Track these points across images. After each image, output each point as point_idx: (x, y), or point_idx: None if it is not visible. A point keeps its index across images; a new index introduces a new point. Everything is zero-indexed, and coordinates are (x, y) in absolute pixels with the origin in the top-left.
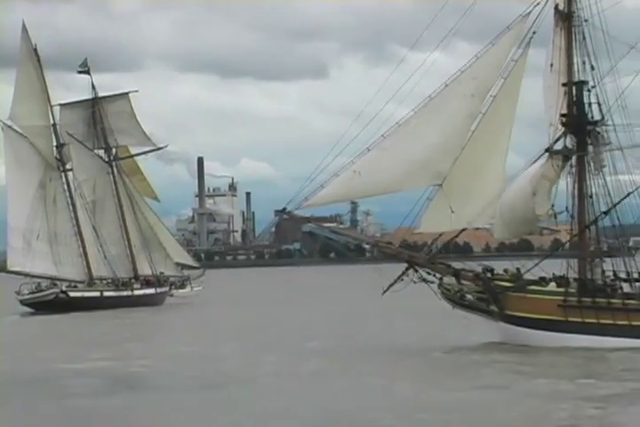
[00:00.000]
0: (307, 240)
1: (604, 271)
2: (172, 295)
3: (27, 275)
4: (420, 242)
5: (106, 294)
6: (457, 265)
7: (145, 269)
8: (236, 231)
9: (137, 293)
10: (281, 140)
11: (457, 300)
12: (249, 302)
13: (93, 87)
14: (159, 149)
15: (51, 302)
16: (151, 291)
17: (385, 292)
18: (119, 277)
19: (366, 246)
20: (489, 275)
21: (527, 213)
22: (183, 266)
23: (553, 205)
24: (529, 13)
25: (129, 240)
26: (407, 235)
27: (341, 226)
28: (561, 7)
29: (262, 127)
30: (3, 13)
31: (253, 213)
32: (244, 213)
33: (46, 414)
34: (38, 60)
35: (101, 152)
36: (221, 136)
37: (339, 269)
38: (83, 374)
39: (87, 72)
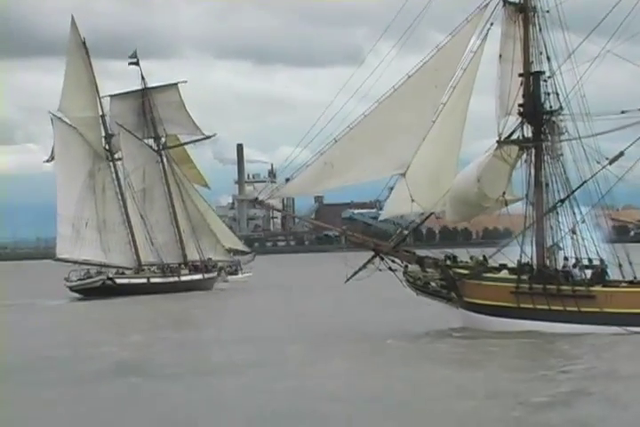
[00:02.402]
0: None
1: (567, 258)
2: (227, 281)
3: (75, 262)
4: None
5: (153, 280)
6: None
7: (194, 255)
8: (276, 218)
9: (184, 278)
10: (317, 127)
11: (420, 287)
12: (295, 287)
13: (143, 78)
14: (208, 137)
15: (98, 288)
16: (198, 276)
17: (348, 280)
18: (167, 264)
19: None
20: (449, 263)
21: (470, 198)
22: (235, 251)
23: (504, 193)
24: (486, 5)
25: (178, 227)
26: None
27: (380, 212)
28: None
29: (297, 114)
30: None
31: (293, 199)
32: (283, 199)
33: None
34: (87, 53)
35: (151, 141)
36: (256, 122)
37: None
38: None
39: (137, 63)
